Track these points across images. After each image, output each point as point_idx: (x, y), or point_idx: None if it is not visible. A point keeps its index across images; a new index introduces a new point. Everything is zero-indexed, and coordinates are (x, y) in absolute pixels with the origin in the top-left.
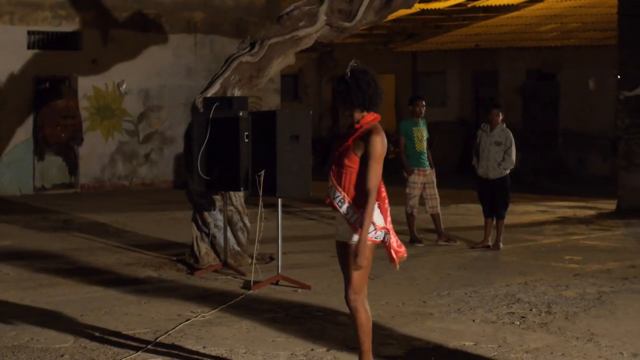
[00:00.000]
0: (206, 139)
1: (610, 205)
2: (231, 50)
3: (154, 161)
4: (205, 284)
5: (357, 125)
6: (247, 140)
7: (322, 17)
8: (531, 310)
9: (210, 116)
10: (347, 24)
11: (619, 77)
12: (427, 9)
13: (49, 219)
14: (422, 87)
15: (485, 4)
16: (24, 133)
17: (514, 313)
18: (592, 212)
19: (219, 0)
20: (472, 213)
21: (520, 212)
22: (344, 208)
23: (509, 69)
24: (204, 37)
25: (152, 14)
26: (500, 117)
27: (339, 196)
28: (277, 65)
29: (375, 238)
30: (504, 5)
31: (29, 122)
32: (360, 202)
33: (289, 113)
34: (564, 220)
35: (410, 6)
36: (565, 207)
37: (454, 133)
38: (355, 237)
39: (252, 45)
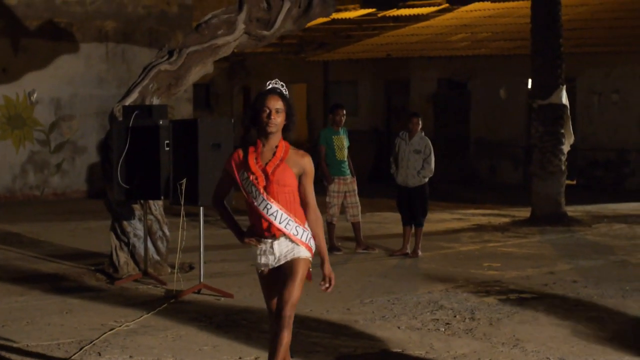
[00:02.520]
0: (126, 148)
1: (523, 213)
2: (143, 59)
3: (66, 171)
4: (126, 293)
5: (281, 146)
6: (167, 148)
7: (241, 26)
8: (455, 316)
9: (130, 124)
10: (265, 33)
11: (531, 85)
12: (338, 19)
13: None
14: (334, 96)
15: (395, 14)
16: None
17: (438, 320)
18: (506, 220)
19: (131, 9)
20: (388, 221)
21: (435, 220)
22: (293, 228)
23: (420, 78)
24: (116, 47)
25: (64, 22)
26: (420, 126)
27: (286, 218)
28: (196, 74)
29: (312, 247)
30: (413, 15)
31: None
32: (302, 218)
33: (211, 121)
34: (479, 228)
35: (328, 15)
36: (479, 214)
37: (366, 142)
38: (304, 252)
39: (171, 54)
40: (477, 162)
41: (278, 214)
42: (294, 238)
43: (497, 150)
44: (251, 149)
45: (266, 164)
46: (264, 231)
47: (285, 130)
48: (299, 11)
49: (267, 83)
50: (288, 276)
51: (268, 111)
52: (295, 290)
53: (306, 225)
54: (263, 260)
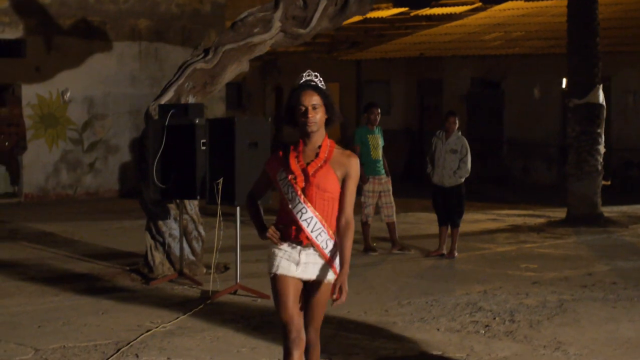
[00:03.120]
0: (162, 147)
1: (558, 213)
2: (176, 58)
3: (99, 170)
4: (162, 293)
5: (325, 145)
6: (203, 147)
7: (277, 24)
8: (494, 318)
9: (166, 123)
10: (301, 31)
11: (567, 85)
12: (370, 18)
13: None
14: (367, 95)
15: (427, 12)
16: None
17: (477, 322)
18: (542, 220)
19: (164, 8)
20: (422, 221)
21: (470, 220)
22: (324, 242)
23: (453, 77)
24: (149, 45)
25: (97, 21)
26: (457, 125)
27: (320, 228)
28: (231, 72)
29: (337, 266)
30: (446, 14)
31: None
32: (334, 232)
33: (248, 120)
34: (515, 229)
35: (364, 13)
36: (514, 215)
37: (398, 141)
38: (331, 275)
39: (206, 52)
40: (510, 162)
41: (312, 221)
42: (321, 252)
43: (530, 150)
44: (292, 148)
45: (308, 164)
46: (292, 237)
47: (328, 124)
48: (335, 9)
49: (300, 76)
50: (315, 303)
51: (304, 109)
52: (322, 315)
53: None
54: (284, 264)
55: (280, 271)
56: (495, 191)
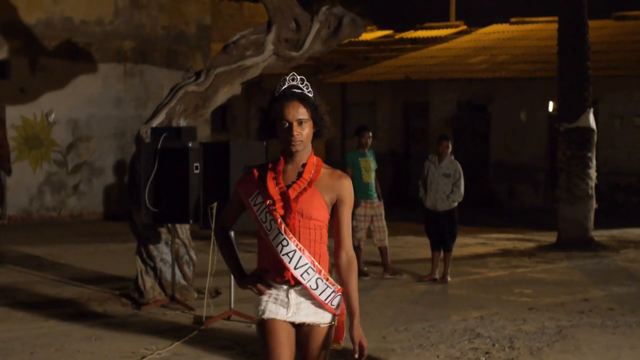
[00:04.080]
0: (154, 170)
1: (548, 238)
2: (161, 80)
3: (83, 192)
4: (154, 319)
5: (310, 164)
6: (197, 171)
7: (270, 47)
8: (494, 345)
9: (159, 147)
10: (294, 53)
11: (558, 108)
12: (355, 40)
13: None
14: (352, 118)
15: (412, 35)
16: None
17: (477, 348)
18: (532, 245)
19: (149, 30)
20: (411, 245)
21: (459, 244)
22: (313, 280)
23: (439, 100)
24: (134, 67)
25: (82, 42)
26: (450, 149)
27: (305, 264)
28: (223, 95)
29: (337, 309)
30: (431, 37)
31: None
32: (324, 266)
33: (243, 143)
34: (505, 253)
35: (358, 35)
36: (503, 239)
37: (384, 164)
38: (328, 316)
39: (198, 75)
40: (496, 186)
41: (295, 256)
42: (312, 293)
43: (517, 174)
44: (270, 166)
45: (289, 186)
46: (276, 274)
47: (316, 138)
48: (328, 32)
49: (282, 80)
50: (312, 351)
51: (287, 125)
52: None
53: (331, 279)
54: (271, 307)
55: (268, 315)
56: (482, 215)
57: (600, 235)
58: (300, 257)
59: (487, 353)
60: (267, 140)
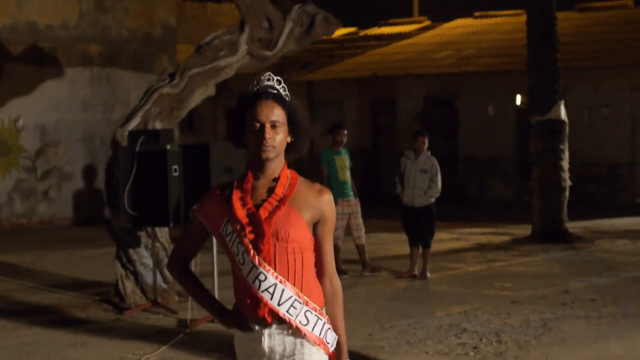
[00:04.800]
0: (132, 174)
1: (522, 230)
2: (128, 83)
3: (53, 198)
4: (138, 323)
5: (283, 178)
6: (176, 173)
7: (243, 46)
8: (481, 340)
9: (137, 150)
10: (268, 53)
11: (528, 101)
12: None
13: None
14: (320, 116)
15: (376, 32)
16: None
17: (465, 343)
18: (506, 238)
19: (115, 33)
20: (386, 242)
21: (435, 240)
22: (301, 314)
23: (406, 96)
24: (101, 70)
25: (47, 47)
26: (426, 145)
27: (289, 297)
28: (198, 97)
29: (331, 348)
30: (396, 33)
31: None
32: (316, 300)
33: (222, 145)
34: (481, 247)
35: (330, 34)
36: (477, 233)
37: (353, 161)
38: (317, 355)
39: (172, 77)
40: (466, 180)
41: (277, 290)
42: (303, 330)
43: (486, 168)
44: (236, 184)
45: (259, 206)
46: (251, 310)
47: (290, 150)
48: (301, 30)
49: (256, 79)
50: None
51: (259, 126)
52: None
53: (319, 309)
54: (246, 350)
55: None
56: (453, 209)
57: (573, 226)
58: (283, 290)
59: (475, 348)
60: (237, 147)
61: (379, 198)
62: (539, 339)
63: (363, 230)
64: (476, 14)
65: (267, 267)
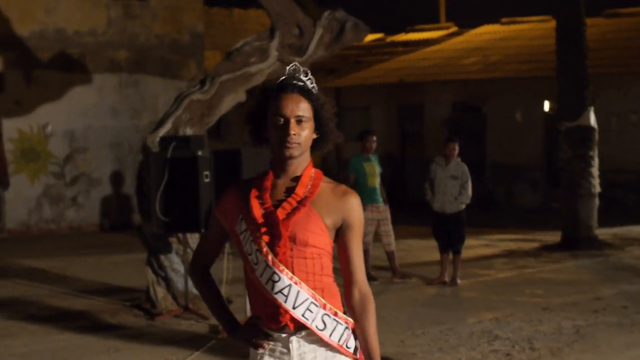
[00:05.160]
0: (164, 180)
1: (551, 237)
2: (156, 89)
3: (81, 204)
4: (169, 329)
5: (306, 177)
6: (207, 179)
7: (274, 53)
8: (514, 346)
9: (168, 156)
10: (298, 59)
11: (558, 107)
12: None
13: None
14: (347, 122)
15: (403, 38)
16: None
17: (497, 350)
18: (536, 245)
19: (143, 39)
20: (415, 248)
21: (464, 246)
22: (318, 318)
23: (434, 102)
24: (128, 77)
25: (76, 53)
26: (456, 151)
27: (306, 300)
28: (228, 103)
29: (356, 353)
30: (423, 39)
31: None
32: (335, 299)
33: (254, 151)
34: (511, 254)
35: (360, 40)
36: (506, 240)
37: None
38: None
39: (203, 83)
40: (493, 186)
41: (292, 292)
42: (320, 335)
43: (514, 174)
44: (256, 181)
45: (277, 205)
46: (270, 320)
47: (317, 146)
48: (331, 37)
49: (281, 71)
50: None
51: (282, 121)
52: None
53: (341, 314)
54: None
55: None
56: (481, 215)
57: (603, 233)
58: (299, 292)
59: (508, 355)
60: (256, 144)
61: (406, 204)
62: (571, 346)
63: (393, 237)
64: (503, 20)
65: (282, 267)
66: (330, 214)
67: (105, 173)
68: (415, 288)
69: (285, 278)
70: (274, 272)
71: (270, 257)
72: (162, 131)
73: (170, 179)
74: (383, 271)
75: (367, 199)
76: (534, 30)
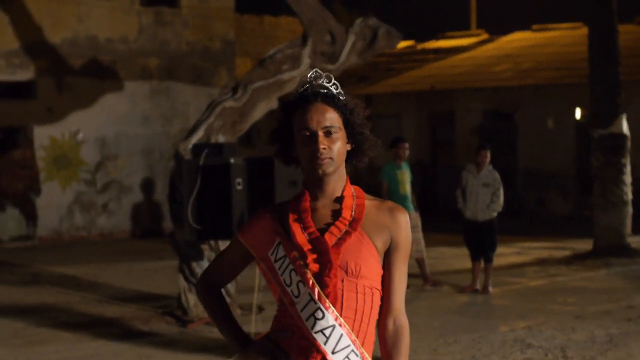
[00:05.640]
0: (197, 187)
1: (583, 245)
2: (187, 96)
3: (112, 211)
4: (202, 336)
5: (348, 194)
6: (239, 187)
7: (306, 60)
8: (546, 355)
9: (201, 163)
10: (330, 66)
11: (590, 115)
12: (382, 52)
13: (15, 272)
14: (378, 130)
15: (434, 45)
16: None
17: (530, 359)
18: (567, 253)
19: (174, 46)
20: (446, 256)
21: (495, 254)
22: None
23: (465, 109)
24: (160, 84)
25: (107, 60)
26: (488, 159)
27: (347, 347)
28: (261, 110)
29: None
30: (454, 46)
31: None
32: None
33: None
34: (542, 262)
35: (393, 47)
36: (538, 247)
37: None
38: None
39: (235, 90)
40: (525, 194)
41: (334, 335)
42: None
43: (545, 182)
44: (292, 204)
45: (323, 230)
46: (299, 354)
47: (353, 159)
48: (363, 44)
49: (303, 79)
50: None
51: (309, 135)
52: None
53: None
54: None
55: None
56: (512, 223)
57: (635, 241)
58: (342, 335)
59: None
60: (288, 165)
61: (437, 212)
62: (605, 355)
63: (423, 244)
64: (534, 26)
65: (328, 304)
66: (380, 235)
67: (136, 180)
68: (447, 296)
69: (330, 317)
70: (319, 308)
71: (316, 290)
72: (195, 138)
73: (203, 187)
74: (413, 278)
75: None
76: (566, 37)
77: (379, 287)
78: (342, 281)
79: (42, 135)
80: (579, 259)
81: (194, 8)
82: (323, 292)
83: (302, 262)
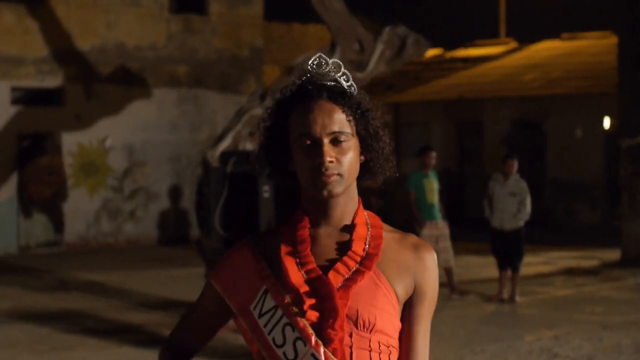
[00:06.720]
0: (224, 194)
1: (610, 255)
2: (215, 104)
3: (139, 218)
4: (228, 344)
5: (360, 221)
6: (266, 194)
7: None
8: None
9: (229, 171)
10: (358, 75)
11: (619, 125)
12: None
13: (42, 278)
14: (405, 138)
15: (463, 54)
16: (7, 191)
17: None
18: (595, 263)
19: (202, 54)
20: (474, 265)
21: (523, 263)
22: None
23: (493, 118)
24: (188, 91)
25: (135, 68)
26: (515, 168)
27: None
28: None
29: None
30: (482, 55)
31: (13, 180)
32: None
33: None
34: (570, 272)
35: (421, 55)
36: (565, 257)
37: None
38: None
39: (263, 98)
40: (552, 203)
41: None
42: None
43: (573, 191)
44: (285, 233)
45: (326, 268)
46: None
47: (365, 174)
48: (392, 52)
49: (302, 60)
50: None
51: (310, 143)
52: None
53: None
54: None
55: None
56: (539, 233)
57: None
58: None
59: None
60: (281, 182)
61: (464, 221)
62: None
63: (451, 253)
64: (564, 35)
65: None
66: (402, 278)
67: (163, 187)
68: (474, 305)
69: None
70: None
71: (322, 350)
72: (223, 146)
73: (230, 194)
74: (440, 288)
75: (426, 216)
76: (595, 46)
77: (396, 340)
78: (351, 336)
79: (70, 141)
80: (607, 269)
81: (223, 15)
82: (325, 347)
83: (295, 309)
